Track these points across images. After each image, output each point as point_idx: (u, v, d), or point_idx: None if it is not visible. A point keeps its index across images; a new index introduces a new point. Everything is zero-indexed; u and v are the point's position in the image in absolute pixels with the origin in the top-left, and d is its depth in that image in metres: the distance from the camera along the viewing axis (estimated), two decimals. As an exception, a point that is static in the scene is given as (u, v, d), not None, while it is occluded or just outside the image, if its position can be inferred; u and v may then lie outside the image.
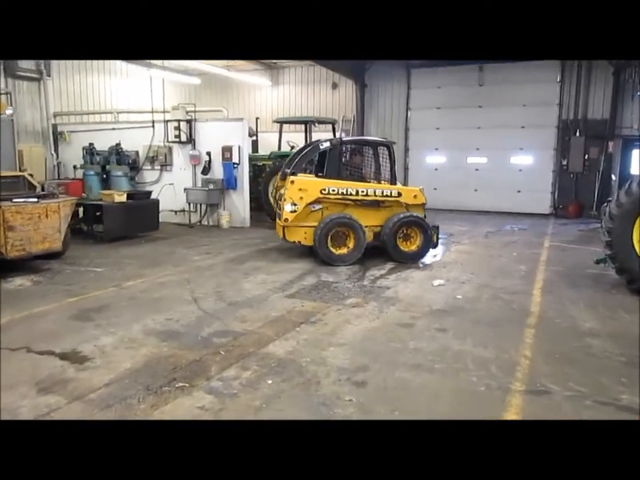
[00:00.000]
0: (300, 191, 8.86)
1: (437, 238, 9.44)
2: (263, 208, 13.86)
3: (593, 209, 15.06)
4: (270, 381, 4.37)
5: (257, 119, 16.08)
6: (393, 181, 9.34)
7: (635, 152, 15.20)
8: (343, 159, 9.22)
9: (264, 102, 19.87)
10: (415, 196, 9.17)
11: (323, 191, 8.91)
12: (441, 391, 4.21)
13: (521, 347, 5.13)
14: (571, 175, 15.80)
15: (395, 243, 8.92)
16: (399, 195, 9.08)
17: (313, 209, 9.00)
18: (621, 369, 4.61)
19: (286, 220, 8.90)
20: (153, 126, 13.45)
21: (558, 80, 15.72)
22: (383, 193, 9.02)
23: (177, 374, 4.51)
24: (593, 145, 15.35)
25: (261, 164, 14.67)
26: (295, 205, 8.85)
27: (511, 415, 3.80)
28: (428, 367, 4.66)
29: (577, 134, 15.51)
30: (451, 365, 4.70)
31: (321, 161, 9.52)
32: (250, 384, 4.33)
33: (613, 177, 15.22)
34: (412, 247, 9.09)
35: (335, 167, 9.12)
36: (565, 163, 15.79)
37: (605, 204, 7.82)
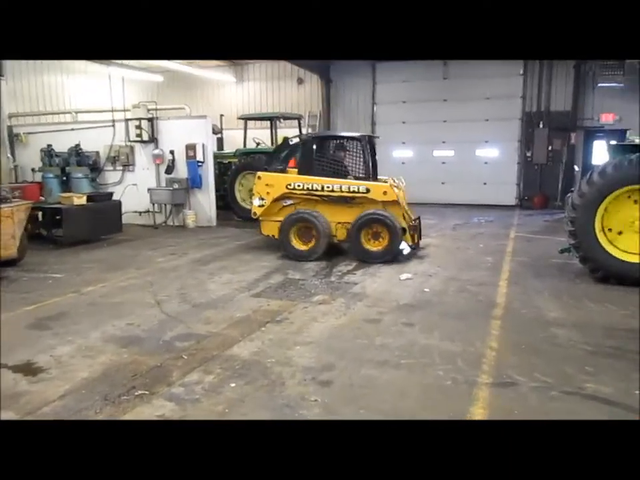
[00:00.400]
0: (267, 187, 9.07)
1: (418, 238, 9.11)
2: (230, 206, 13.68)
3: (558, 199, 15.31)
4: (233, 384, 4.24)
5: (221, 116, 15.85)
6: (372, 176, 9.08)
7: (596, 143, 15.48)
8: (316, 155, 9.13)
9: (228, 99, 19.60)
10: (385, 192, 8.65)
11: (289, 187, 8.97)
12: (408, 387, 4.14)
13: (487, 339, 5.12)
14: (536, 167, 16.03)
15: (357, 242, 8.63)
16: (367, 191, 8.69)
17: (284, 204, 9.14)
18: (585, 358, 4.63)
19: (254, 214, 9.28)
20: (114, 125, 13.10)
21: (521, 73, 15.91)
22: (349, 189, 8.79)
23: (136, 381, 4.34)
24: (556, 137, 15.60)
25: (226, 162, 14.45)
26: (262, 199, 9.16)
27: (478, 408, 3.75)
28: (394, 363, 4.59)
29: (541, 126, 15.74)
30: (417, 360, 4.65)
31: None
32: (213, 388, 4.19)
33: (576, 168, 15.50)
34: (379, 246, 8.63)
35: (306, 162, 9.10)
36: (529, 154, 16.02)
37: (569, 194, 7.91)
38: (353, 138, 9.45)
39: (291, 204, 9.13)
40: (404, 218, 8.72)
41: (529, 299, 6.45)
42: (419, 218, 9.40)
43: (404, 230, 8.61)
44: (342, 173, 9.07)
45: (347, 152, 9.28)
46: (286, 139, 13.60)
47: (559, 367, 4.45)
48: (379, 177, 9.36)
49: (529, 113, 15.92)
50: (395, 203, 8.68)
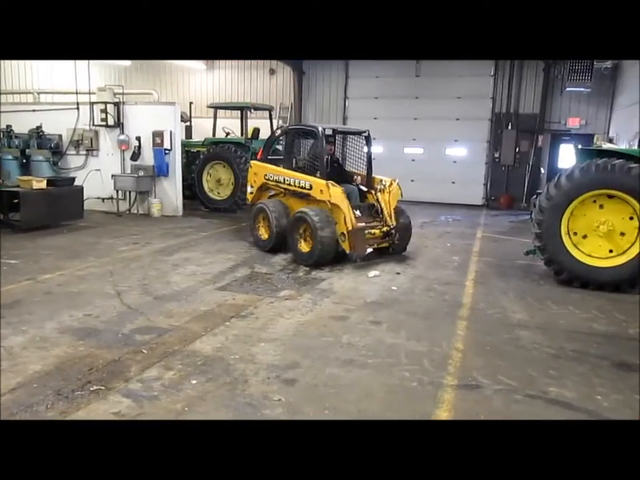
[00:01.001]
0: (254, 175, 9.47)
1: (353, 245, 7.82)
2: (197, 196, 13.42)
3: (523, 200, 15.55)
4: (194, 381, 4.11)
5: (190, 103, 15.49)
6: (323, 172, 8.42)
7: (562, 146, 15.77)
8: (292, 147, 9.38)
9: (199, 86, 19.20)
10: (322, 191, 8.00)
11: (266, 176, 9.13)
12: (373, 387, 4.08)
13: (453, 340, 5.10)
14: (503, 168, 16.24)
15: (292, 240, 8.16)
16: (310, 187, 8.23)
17: (270, 194, 9.31)
18: (549, 361, 4.66)
19: (247, 199, 9.87)
20: (78, 108, 12.66)
21: (492, 74, 16.05)
22: (299, 184, 8.41)
23: (92, 376, 4.17)
24: (524, 139, 15.83)
25: (194, 150, 14.16)
26: (252, 187, 9.57)
27: (443, 411, 3.72)
28: (360, 363, 4.53)
29: (509, 127, 15.92)
30: (383, 360, 4.60)
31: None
32: (172, 385, 4.05)
33: (542, 170, 15.77)
34: (307, 247, 7.99)
35: (286, 154, 9.23)
36: (497, 155, 16.21)
37: (535, 196, 7.99)
38: (310, 132, 9.01)
39: (274, 194, 9.20)
40: (345, 222, 7.80)
41: (494, 299, 6.49)
42: (403, 226, 8.55)
43: (343, 235, 7.84)
44: (315, 167, 8.67)
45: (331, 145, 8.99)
46: (256, 130, 13.49)
47: (523, 369, 4.46)
48: (373, 176, 9.05)
49: (499, 114, 16.10)
50: (333, 204, 7.96)
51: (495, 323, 5.67)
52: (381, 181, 8.75)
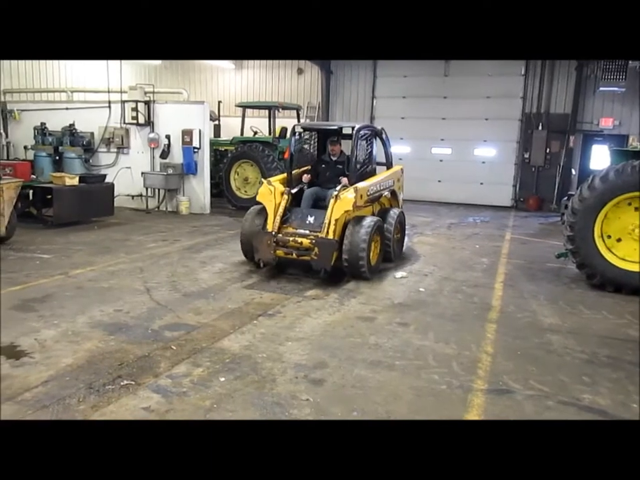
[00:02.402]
0: None
1: (255, 248, 7.09)
2: (224, 195, 13.51)
3: (553, 202, 15.26)
4: (222, 379, 4.13)
5: (219, 102, 15.61)
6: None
7: (594, 147, 15.43)
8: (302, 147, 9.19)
9: (227, 85, 19.33)
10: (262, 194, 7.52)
11: None
12: (401, 389, 4.05)
13: (482, 343, 5.03)
14: (533, 169, 15.95)
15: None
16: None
17: None
18: (581, 367, 4.56)
19: None
20: (110, 106, 12.86)
21: (522, 73, 15.77)
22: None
23: (122, 371, 4.23)
24: (555, 139, 15.51)
25: (222, 149, 14.26)
26: None
27: (473, 416, 3.67)
28: (388, 364, 4.49)
29: (540, 128, 15.63)
30: (411, 362, 4.56)
31: None
32: (201, 382, 4.08)
33: (573, 172, 15.45)
34: None
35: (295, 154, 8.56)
36: (526, 156, 15.92)
37: (566, 198, 7.85)
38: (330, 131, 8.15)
39: None
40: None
41: (524, 302, 6.37)
42: (325, 242, 6.84)
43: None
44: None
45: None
46: (284, 129, 13.52)
47: (555, 375, 4.37)
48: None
49: (529, 114, 15.81)
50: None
51: (525, 326, 5.57)
52: (345, 187, 7.20)
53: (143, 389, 3.93)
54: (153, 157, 12.80)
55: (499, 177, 16.28)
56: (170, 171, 12.37)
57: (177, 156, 12.51)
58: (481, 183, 16.48)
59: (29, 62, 15.05)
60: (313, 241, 6.83)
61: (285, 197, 7.37)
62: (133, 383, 4.03)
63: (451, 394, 4.00)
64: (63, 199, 10.10)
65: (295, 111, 14.48)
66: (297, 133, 7.98)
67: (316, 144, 8.64)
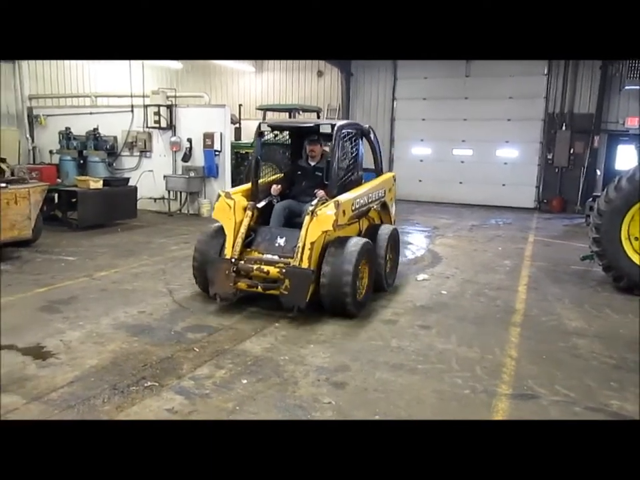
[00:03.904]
0: None
1: (210, 279, 5.72)
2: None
3: (578, 203, 15.03)
4: (245, 381, 4.15)
5: (240, 105, 15.70)
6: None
7: (620, 147, 15.15)
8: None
9: (247, 88, 19.46)
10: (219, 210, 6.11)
11: None
12: (424, 393, 4.01)
13: (506, 347, 4.97)
14: (556, 169, 15.73)
15: None
16: None
17: None
18: (609, 372, 4.47)
19: None
20: (132, 111, 13.02)
21: (545, 73, 15.58)
22: None
23: (146, 372, 4.27)
24: (579, 140, 15.27)
25: (243, 152, 14.34)
26: None
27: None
28: (410, 368, 4.46)
29: (563, 128, 15.41)
30: (434, 366, 4.52)
31: None
32: (223, 384, 4.10)
33: (598, 172, 15.19)
34: None
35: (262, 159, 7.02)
36: (550, 156, 15.71)
37: (591, 199, 7.71)
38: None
39: None
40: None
41: (549, 306, 6.28)
42: (298, 273, 5.39)
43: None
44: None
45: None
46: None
47: (581, 380, 4.30)
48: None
49: (552, 114, 15.60)
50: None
51: (550, 330, 5.48)
52: (323, 201, 5.75)
53: (166, 391, 3.96)
54: (175, 160, 12.92)
55: (521, 178, 16.09)
56: (191, 174, 12.48)
57: (198, 159, 12.61)
58: (503, 185, 16.31)
59: (53, 68, 15.30)
60: (283, 271, 5.41)
61: (249, 213, 5.94)
62: (156, 384, 4.06)
63: (474, 398, 3.95)
64: (87, 202, 10.25)
65: (315, 114, 14.50)
66: (263, 133, 6.57)
67: (314, 145, 6.52)
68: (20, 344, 4.74)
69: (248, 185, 6.44)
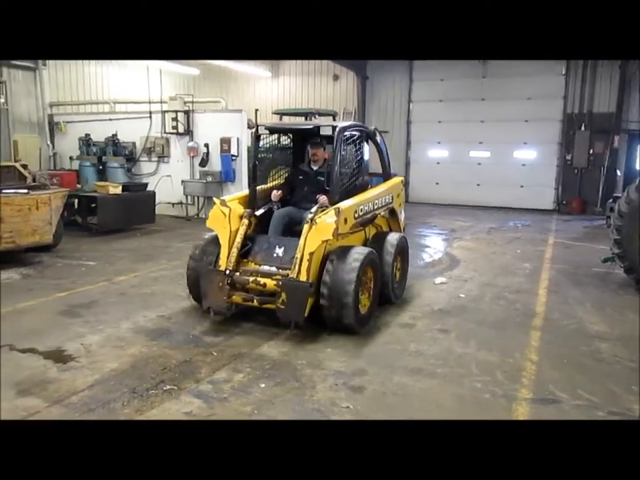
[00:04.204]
0: None
1: (203, 292, 5.39)
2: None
3: (598, 205, 14.82)
4: (263, 385, 4.15)
5: (256, 110, 15.63)
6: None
7: (640, 147, 14.91)
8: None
9: (264, 93, 19.56)
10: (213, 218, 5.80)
11: None
12: (443, 398, 3.98)
13: (526, 351, 4.91)
14: (575, 170, 15.54)
15: None
16: None
17: None
18: (632, 376, 4.38)
19: None
20: (150, 117, 13.16)
21: (563, 73, 15.42)
22: None
23: (165, 376, 4.29)
24: (598, 140, 15.08)
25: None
26: None
27: (518, 425, 3.57)
28: (429, 372, 4.43)
29: (582, 128, 15.23)
30: (453, 370, 4.48)
31: None
32: (241, 388, 4.11)
33: (618, 173, 14.97)
34: None
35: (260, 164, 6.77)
36: (569, 157, 15.53)
37: (611, 200, 7.60)
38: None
39: None
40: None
41: (569, 309, 6.19)
42: (293, 286, 5.02)
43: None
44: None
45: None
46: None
47: (604, 384, 4.22)
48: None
49: (570, 115, 15.42)
50: None
51: (572, 334, 5.40)
52: (323, 209, 5.38)
53: (184, 394, 3.98)
54: (193, 165, 13.03)
55: (540, 180, 15.93)
56: (209, 179, 12.57)
57: (215, 164, 12.70)
58: (521, 186, 16.15)
59: (73, 75, 15.55)
60: (280, 283, 5.08)
61: (245, 221, 5.63)
62: (175, 387, 4.08)
63: (494, 403, 3.91)
64: (107, 207, 10.38)
65: (331, 117, 14.51)
66: (260, 137, 6.29)
67: (316, 149, 6.15)
68: (41, 348, 4.80)
69: (246, 192, 6.15)
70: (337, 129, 5.60)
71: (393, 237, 6.24)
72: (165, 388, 4.07)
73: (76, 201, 10.61)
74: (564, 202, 15.75)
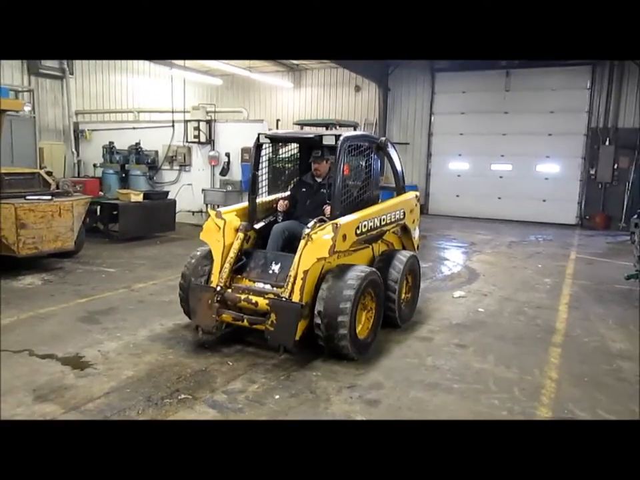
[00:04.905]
0: None
1: (192, 310, 5.21)
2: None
3: (622, 220, 14.55)
4: (277, 396, 4.13)
5: (277, 120, 15.89)
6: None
7: (667, 163, 14.63)
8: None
9: (285, 104, 19.70)
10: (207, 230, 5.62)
11: None
12: (460, 414, 3.91)
13: (546, 368, 4.82)
14: (599, 185, 15.31)
15: None
16: None
17: None
18: (656, 397, 4.28)
19: None
20: (173, 126, 13.33)
21: (587, 87, 15.26)
22: None
23: (180, 384, 4.30)
24: (623, 155, 14.86)
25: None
26: None
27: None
28: (446, 387, 4.37)
29: (607, 143, 15.02)
30: (470, 386, 4.41)
31: None
32: (256, 398, 4.10)
33: (644, 189, 14.70)
34: None
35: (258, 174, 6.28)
36: (592, 172, 15.32)
37: (636, 216, 7.46)
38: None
39: None
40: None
41: (591, 326, 6.07)
42: (285, 307, 4.70)
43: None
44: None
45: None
46: None
47: (626, 404, 4.12)
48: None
49: (595, 129, 15.23)
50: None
51: (593, 351, 5.29)
52: (320, 223, 5.00)
53: (199, 404, 3.98)
54: (213, 174, 13.14)
55: (562, 194, 15.73)
56: (229, 188, 12.65)
57: (236, 173, 12.79)
58: (544, 200, 15.96)
59: (99, 84, 15.85)
60: (269, 303, 4.75)
61: (240, 235, 5.32)
62: (190, 397, 4.09)
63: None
64: (128, 214, 10.51)
65: (352, 128, 14.52)
66: (262, 146, 5.92)
67: (318, 163, 5.84)
68: (60, 353, 4.86)
69: (245, 204, 5.80)
70: (340, 139, 5.21)
71: (401, 256, 5.82)
72: (180, 397, 4.08)
73: (98, 208, 10.75)
74: (587, 217, 15.52)
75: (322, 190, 5.69)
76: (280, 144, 6.41)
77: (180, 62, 16.17)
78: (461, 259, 10.10)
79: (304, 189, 5.95)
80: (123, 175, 12.73)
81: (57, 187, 8.56)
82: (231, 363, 4.75)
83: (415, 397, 4.18)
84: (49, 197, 7.81)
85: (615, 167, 14.97)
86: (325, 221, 5.00)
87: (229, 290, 5.04)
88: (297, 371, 4.60)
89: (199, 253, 5.71)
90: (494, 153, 16.53)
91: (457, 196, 17.10)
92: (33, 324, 5.64)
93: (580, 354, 5.21)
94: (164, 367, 4.65)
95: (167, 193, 12.14)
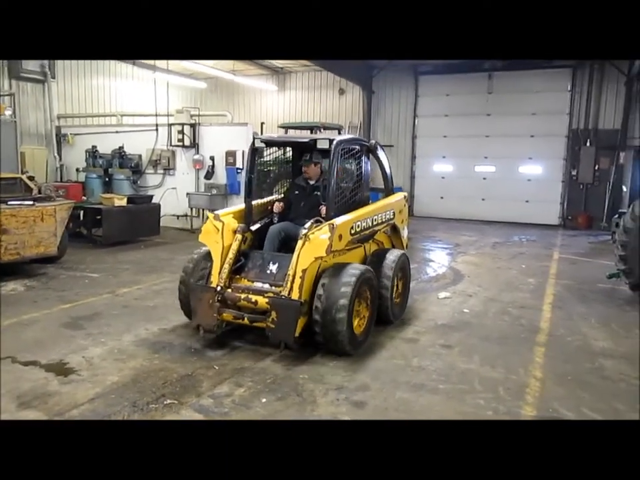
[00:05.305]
0: None
1: (193, 309, 5.31)
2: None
3: (603, 220, 14.76)
4: (264, 400, 4.12)
5: (262, 124, 15.87)
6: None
7: (646, 163, 14.88)
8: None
9: (270, 107, 19.70)
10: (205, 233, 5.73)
11: None
12: (445, 414, 3.94)
13: (530, 367, 4.86)
14: (581, 186, 15.51)
15: None
16: None
17: None
18: (637, 394, 4.33)
19: None
20: (157, 129, 13.25)
21: (568, 89, 15.46)
22: None
23: (166, 389, 4.27)
24: (604, 156, 15.07)
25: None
26: None
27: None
28: (432, 388, 4.39)
29: (588, 144, 15.23)
30: (456, 386, 4.44)
31: None
32: (243, 402, 4.08)
33: (624, 189, 14.94)
34: None
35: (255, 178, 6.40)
36: (574, 173, 15.52)
37: (617, 215, 7.58)
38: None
39: None
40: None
41: (574, 325, 6.14)
42: (284, 305, 4.88)
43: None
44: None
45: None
46: None
47: (609, 402, 4.17)
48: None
49: (576, 130, 15.43)
50: None
51: (576, 350, 5.36)
52: (316, 223, 5.20)
53: (185, 408, 3.96)
54: (198, 178, 13.09)
55: (545, 195, 15.91)
56: (214, 192, 12.61)
57: (220, 176, 12.75)
58: (527, 201, 16.13)
59: (81, 88, 15.72)
60: (270, 301, 4.92)
61: (238, 236, 5.50)
62: (175, 401, 4.06)
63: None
64: (112, 219, 10.42)
65: (336, 131, 14.56)
66: (257, 149, 6.02)
67: (307, 166, 6.02)
68: (43, 360, 4.80)
69: (241, 207, 5.94)
70: (334, 143, 5.39)
71: (392, 255, 6.04)
72: (165, 402, 4.05)
73: (81, 212, 10.68)
74: (569, 217, 15.71)
75: (315, 192, 5.88)
76: (269, 147, 6.46)
77: (163, 65, 16.09)
78: (446, 260, 10.17)
79: (297, 192, 6.12)
80: (107, 179, 12.63)
81: (39, 192, 8.46)
82: (217, 367, 4.73)
83: (401, 397, 4.19)
84: (31, 202, 7.72)
85: (596, 167, 15.18)
86: (320, 222, 5.20)
87: (229, 290, 5.21)
88: (284, 374, 4.59)
89: (196, 255, 5.85)
90: (477, 155, 16.68)
91: (442, 198, 17.22)
92: (16, 330, 5.56)
93: (564, 353, 5.27)
94: (149, 372, 4.61)
95: (151, 197, 12.07)
